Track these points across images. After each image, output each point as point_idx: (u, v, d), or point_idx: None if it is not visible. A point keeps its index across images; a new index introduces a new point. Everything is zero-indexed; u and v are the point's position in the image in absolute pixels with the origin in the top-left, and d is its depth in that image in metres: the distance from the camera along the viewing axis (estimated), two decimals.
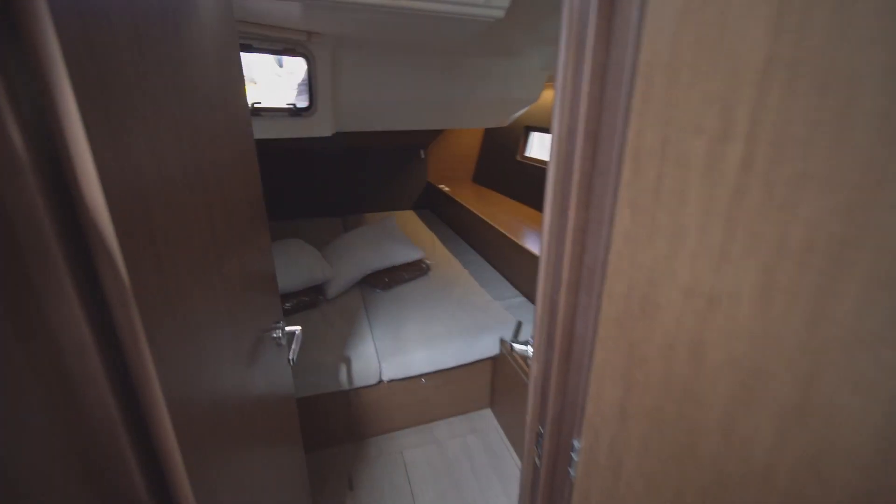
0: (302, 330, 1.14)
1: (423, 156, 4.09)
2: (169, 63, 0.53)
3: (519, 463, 1.78)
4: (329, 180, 3.88)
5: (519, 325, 2.12)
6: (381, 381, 1.97)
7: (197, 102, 0.63)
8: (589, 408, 0.64)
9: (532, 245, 2.42)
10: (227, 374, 0.69)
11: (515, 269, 2.54)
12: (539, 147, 3.51)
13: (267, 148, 3.68)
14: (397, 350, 1.95)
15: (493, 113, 2.75)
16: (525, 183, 3.41)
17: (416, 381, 2.07)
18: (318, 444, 2.01)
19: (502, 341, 2.08)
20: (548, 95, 3.00)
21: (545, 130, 3.27)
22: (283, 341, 1.04)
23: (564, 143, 0.61)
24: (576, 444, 0.70)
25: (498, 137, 3.90)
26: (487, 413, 2.29)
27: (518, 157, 3.57)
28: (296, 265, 2.23)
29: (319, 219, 3.86)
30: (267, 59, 1.79)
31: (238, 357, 0.76)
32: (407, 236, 2.83)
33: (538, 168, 3.23)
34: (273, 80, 2.06)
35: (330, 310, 2.25)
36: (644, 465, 0.53)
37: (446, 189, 3.89)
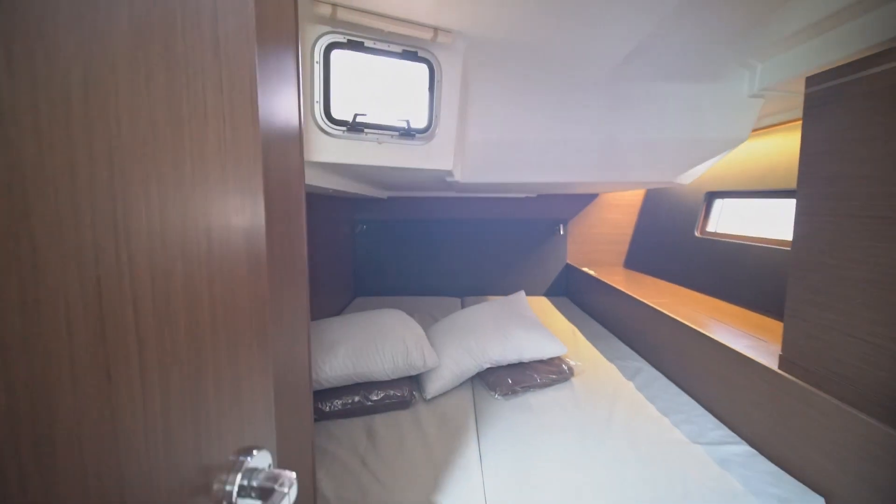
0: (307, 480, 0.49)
1: (561, 232, 3.42)
2: None
3: None
4: (449, 254, 3.42)
5: None
6: None
7: None
8: None
9: (760, 357, 1.44)
10: None
11: (724, 393, 1.54)
12: (729, 219, 2.56)
13: (375, 210, 3.49)
14: None
15: (673, 162, 2.00)
16: (711, 266, 2.44)
17: None
18: None
19: None
20: (755, 145, 2.15)
21: (741, 195, 2.35)
22: None
23: None
24: None
25: (663, 210, 3.06)
26: None
27: (697, 233, 2.66)
28: (388, 345, 1.64)
29: (432, 297, 3.36)
30: (414, 69, 1.38)
31: None
32: (543, 324, 2.07)
33: (736, 246, 2.26)
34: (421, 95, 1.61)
35: (426, 414, 1.55)
36: None
37: (592, 272, 3.09)
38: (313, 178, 1.60)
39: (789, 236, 1.38)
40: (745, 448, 1.35)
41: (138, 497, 0.29)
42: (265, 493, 0.39)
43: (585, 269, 3.17)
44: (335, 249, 3.00)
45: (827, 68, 1.26)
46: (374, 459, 1.30)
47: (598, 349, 2.23)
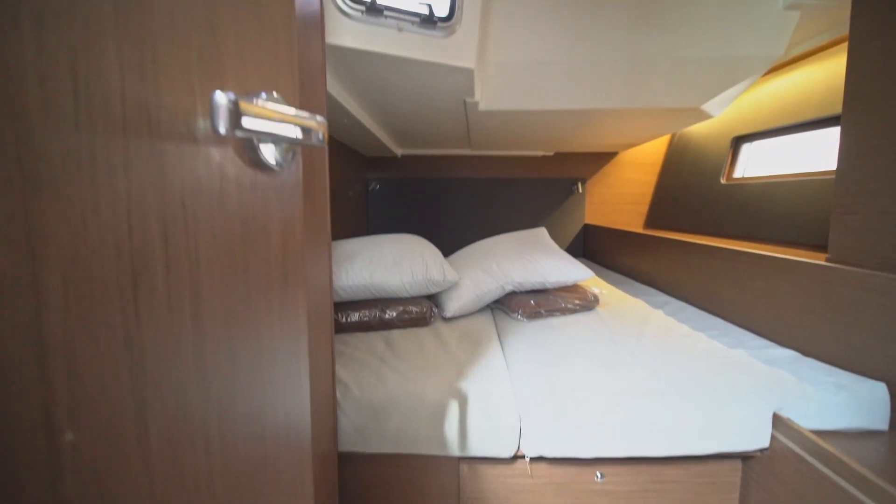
0: None
1: (580, 190, 3.33)
2: None
3: None
4: (463, 215, 3.35)
5: None
6: (517, 457, 1.06)
7: None
8: None
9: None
10: None
11: (764, 307, 1.44)
12: (759, 163, 2.45)
13: (389, 169, 3.43)
14: (553, 403, 1.04)
15: (703, 84, 1.91)
16: (739, 212, 2.34)
17: (585, 472, 1.08)
18: None
19: (778, 418, 1.00)
20: (786, 81, 2.06)
21: (773, 133, 2.25)
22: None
23: None
24: None
25: (687, 161, 2.95)
26: None
27: (723, 180, 2.55)
28: (407, 260, 1.58)
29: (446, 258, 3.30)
30: None
31: None
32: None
33: (766, 186, 2.16)
34: None
35: (446, 330, 1.49)
36: None
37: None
38: (332, 87, 1.55)
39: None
40: (791, 352, 1.26)
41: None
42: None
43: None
44: (348, 207, 2.95)
45: None
46: (394, 359, 1.24)
47: (622, 291, 2.14)
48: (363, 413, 1.02)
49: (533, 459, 1.06)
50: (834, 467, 0.87)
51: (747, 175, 2.47)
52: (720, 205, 2.51)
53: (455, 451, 1.02)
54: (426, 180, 3.34)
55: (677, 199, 3.02)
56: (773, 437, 1.00)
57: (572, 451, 1.01)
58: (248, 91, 0.34)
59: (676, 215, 2.99)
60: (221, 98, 0.24)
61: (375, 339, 1.40)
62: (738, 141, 2.52)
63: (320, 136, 0.33)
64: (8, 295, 0.17)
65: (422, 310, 1.52)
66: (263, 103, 0.28)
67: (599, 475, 1.08)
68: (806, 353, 1.24)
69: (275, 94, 0.35)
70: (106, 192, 0.20)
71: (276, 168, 0.35)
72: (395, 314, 1.49)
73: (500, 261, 1.70)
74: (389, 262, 1.53)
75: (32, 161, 0.18)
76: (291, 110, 0.31)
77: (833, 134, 1.89)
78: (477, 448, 1.02)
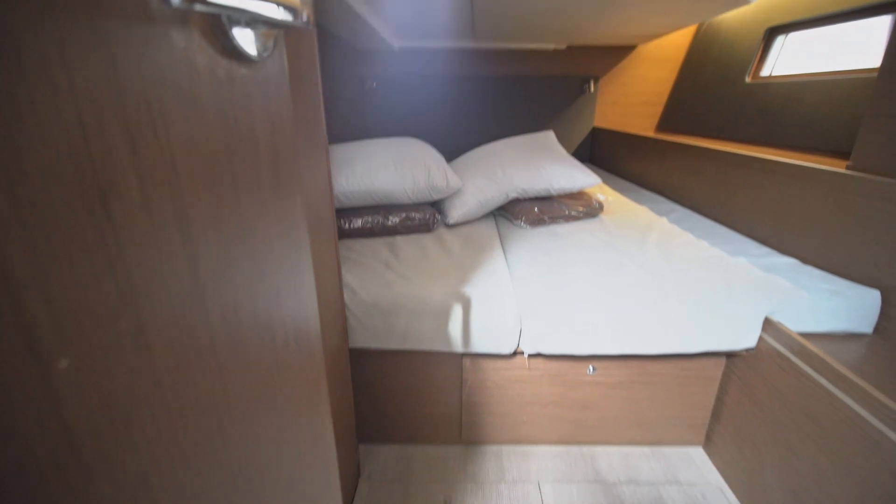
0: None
1: (592, 89, 3.10)
2: None
3: None
4: (467, 115, 3.16)
5: None
6: (517, 354, 1.13)
7: None
8: None
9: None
10: None
11: (772, 216, 1.42)
12: (795, 59, 2.23)
13: (387, 64, 3.12)
14: (552, 305, 1.07)
15: None
16: (762, 114, 2.19)
17: (579, 366, 1.16)
18: (395, 437, 1.26)
19: (769, 321, 1.04)
20: None
21: (815, 23, 2.01)
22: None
23: None
24: None
25: (711, 55, 2.70)
26: (697, 454, 1.26)
27: (748, 79, 2.35)
28: (409, 166, 1.52)
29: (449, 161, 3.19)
30: None
31: None
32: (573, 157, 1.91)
33: (792, 85, 1.98)
34: None
35: (449, 236, 1.49)
36: None
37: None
38: None
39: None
40: (791, 260, 1.27)
41: None
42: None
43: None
44: (345, 107, 2.77)
45: None
46: (398, 263, 1.25)
47: (628, 198, 2.10)
48: (371, 314, 1.06)
49: (531, 356, 1.13)
50: (814, 365, 0.92)
51: (776, 73, 2.26)
52: (741, 106, 2.35)
53: (458, 348, 1.08)
54: (427, 76, 3.09)
55: (696, 99, 2.81)
56: (760, 339, 1.06)
57: (568, 349, 1.07)
58: None
59: (692, 118, 2.82)
60: None
61: (379, 244, 1.41)
62: (773, 33, 2.26)
63: (305, 17, 0.28)
64: None
65: (424, 216, 1.51)
66: None
67: (592, 368, 1.16)
68: (808, 262, 1.25)
69: None
70: (41, 89, 0.17)
71: (255, 58, 0.30)
72: (397, 220, 1.48)
73: (504, 167, 1.64)
74: (391, 168, 1.47)
75: None
76: None
77: (882, 24, 1.68)
78: (479, 346, 1.08)
